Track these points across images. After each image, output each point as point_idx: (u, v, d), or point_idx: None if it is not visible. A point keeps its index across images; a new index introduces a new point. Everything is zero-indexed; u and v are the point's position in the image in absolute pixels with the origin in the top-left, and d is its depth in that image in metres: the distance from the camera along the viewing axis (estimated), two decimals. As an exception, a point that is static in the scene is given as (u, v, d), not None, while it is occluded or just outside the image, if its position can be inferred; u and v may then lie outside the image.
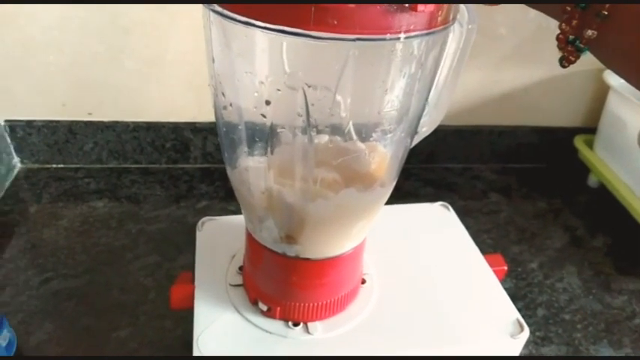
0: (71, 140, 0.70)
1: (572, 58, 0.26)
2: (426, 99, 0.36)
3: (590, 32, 0.24)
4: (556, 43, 0.27)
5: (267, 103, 0.32)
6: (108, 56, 0.65)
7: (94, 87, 0.67)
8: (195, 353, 0.37)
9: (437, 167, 0.78)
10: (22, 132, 0.69)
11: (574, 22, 0.25)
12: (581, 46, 0.25)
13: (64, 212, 0.64)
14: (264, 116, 0.33)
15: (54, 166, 0.72)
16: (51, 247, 0.58)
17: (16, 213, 0.64)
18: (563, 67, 0.27)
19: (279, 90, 0.31)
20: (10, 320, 0.48)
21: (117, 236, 0.60)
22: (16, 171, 0.70)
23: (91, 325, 0.50)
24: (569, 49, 0.26)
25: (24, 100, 0.67)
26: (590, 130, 0.77)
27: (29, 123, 0.68)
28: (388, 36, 0.27)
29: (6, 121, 0.68)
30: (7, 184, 0.68)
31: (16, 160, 0.71)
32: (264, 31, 0.27)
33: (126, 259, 0.57)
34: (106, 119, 0.70)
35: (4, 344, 0.45)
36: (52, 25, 0.62)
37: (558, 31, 0.26)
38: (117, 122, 0.70)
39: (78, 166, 0.72)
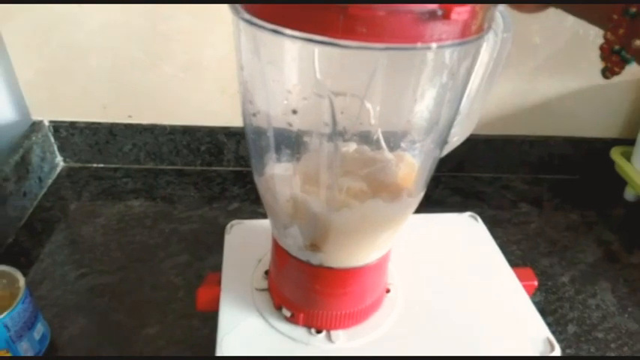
0: (111, 141, 0.73)
1: (617, 69, 0.25)
2: (457, 109, 0.36)
3: (639, 42, 0.23)
4: (599, 52, 0.26)
5: (294, 112, 0.32)
6: (147, 61, 0.67)
7: (133, 91, 0.69)
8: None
9: (466, 176, 0.77)
10: (66, 132, 0.71)
11: (621, 31, 0.24)
12: (628, 56, 0.24)
13: (102, 210, 0.66)
14: (290, 124, 0.33)
15: (94, 165, 0.74)
16: (88, 244, 0.61)
17: (57, 209, 0.66)
18: (606, 78, 0.26)
19: (305, 99, 0.31)
20: (46, 314, 0.49)
21: (151, 235, 0.62)
22: (58, 169, 0.73)
23: (122, 321, 0.51)
24: (613, 60, 0.25)
25: (68, 102, 0.70)
26: (628, 141, 0.74)
27: (72, 124, 0.71)
28: (419, 45, 0.26)
29: (50, 121, 0.71)
30: (50, 181, 0.71)
31: (59, 159, 0.74)
32: (293, 39, 0.26)
33: (158, 257, 0.59)
34: (144, 122, 0.72)
35: (37, 338, 0.46)
36: (95, 31, 0.64)
37: (602, 41, 0.25)
38: (155, 125, 0.72)
39: (117, 166, 0.75)
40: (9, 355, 0.44)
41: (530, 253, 0.63)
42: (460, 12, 0.26)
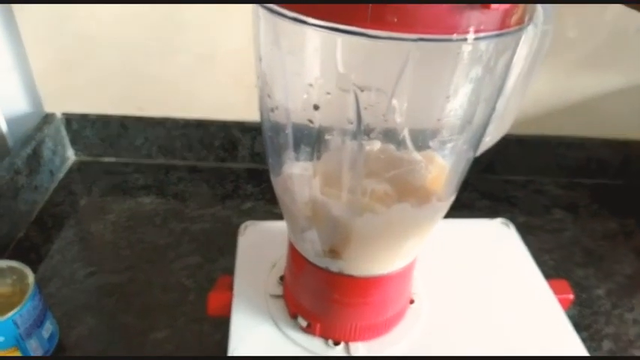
0: (123, 135, 0.71)
1: None
2: (493, 107, 0.33)
3: None
4: None
5: (316, 107, 0.30)
6: (161, 52, 0.65)
7: (146, 82, 0.67)
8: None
9: (496, 179, 0.73)
10: (77, 125, 0.70)
11: None
12: None
13: (113, 207, 0.64)
14: (311, 121, 0.30)
15: (106, 159, 0.73)
16: (97, 242, 0.59)
17: (68, 204, 0.65)
18: None
19: (329, 93, 0.29)
20: (54, 312, 0.48)
21: (161, 234, 0.60)
22: (70, 163, 0.72)
23: (131, 324, 0.49)
24: None
25: (80, 94, 0.69)
26: (671, 145, 0.70)
27: (84, 116, 0.70)
28: (455, 36, 0.25)
29: (63, 113, 0.70)
30: (61, 175, 0.70)
31: (71, 152, 0.72)
32: (316, 28, 0.25)
33: (168, 257, 0.57)
34: (157, 115, 0.70)
35: (46, 336, 0.45)
36: (108, 21, 0.62)
37: None
38: (167, 118, 0.70)
39: (128, 160, 0.73)
40: (18, 353, 0.43)
41: (564, 263, 0.59)
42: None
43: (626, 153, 0.73)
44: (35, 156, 0.63)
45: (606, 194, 0.73)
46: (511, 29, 0.26)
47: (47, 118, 0.68)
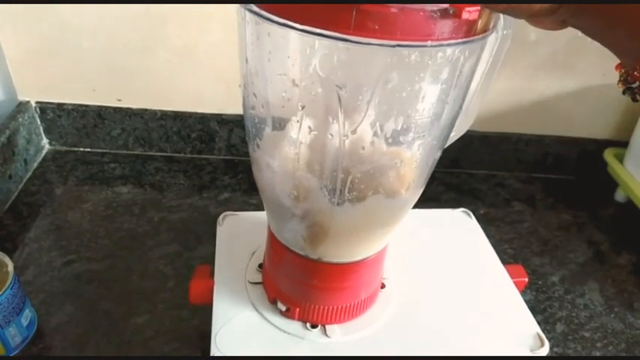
0: (99, 125, 0.71)
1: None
2: (460, 107, 0.36)
3: None
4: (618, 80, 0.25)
5: (300, 106, 0.31)
6: (141, 44, 0.65)
7: (125, 74, 0.68)
8: (213, 352, 0.37)
9: (461, 172, 0.77)
10: (53, 114, 0.70)
11: None
12: None
13: (89, 196, 0.65)
14: (295, 119, 0.32)
15: (81, 149, 0.73)
16: (75, 230, 0.59)
17: (43, 194, 0.65)
18: (636, 101, 0.26)
19: (312, 93, 0.31)
20: (32, 300, 0.48)
21: (139, 223, 0.61)
22: (44, 152, 0.72)
23: (110, 310, 0.50)
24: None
25: (56, 83, 0.68)
26: (621, 143, 0.75)
27: (60, 106, 0.69)
28: (429, 43, 0.27)
29: (37, 102, 0.69)
30: (35, 164, 0.69)
31: (45, 141, 0.72)
32: (302, 33, 0.26)
33: (147, 246, 0.58)
34: (134, 106, 0.70)
35: (25, 324, 0.45)
36: (88, 11, 0.62)
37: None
38: (145, 110, 0.70)
39: (104, 150, 0.73)
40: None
41: (522, 252, 0.63)
42: (471, 11, 0.26)
43: (580, 150, 0.78)
44: (9, 145, 0.63)
45: (561, 188, 0.77)
46: (479, 36, 0.29)
47: (21, 107, 0.67)
